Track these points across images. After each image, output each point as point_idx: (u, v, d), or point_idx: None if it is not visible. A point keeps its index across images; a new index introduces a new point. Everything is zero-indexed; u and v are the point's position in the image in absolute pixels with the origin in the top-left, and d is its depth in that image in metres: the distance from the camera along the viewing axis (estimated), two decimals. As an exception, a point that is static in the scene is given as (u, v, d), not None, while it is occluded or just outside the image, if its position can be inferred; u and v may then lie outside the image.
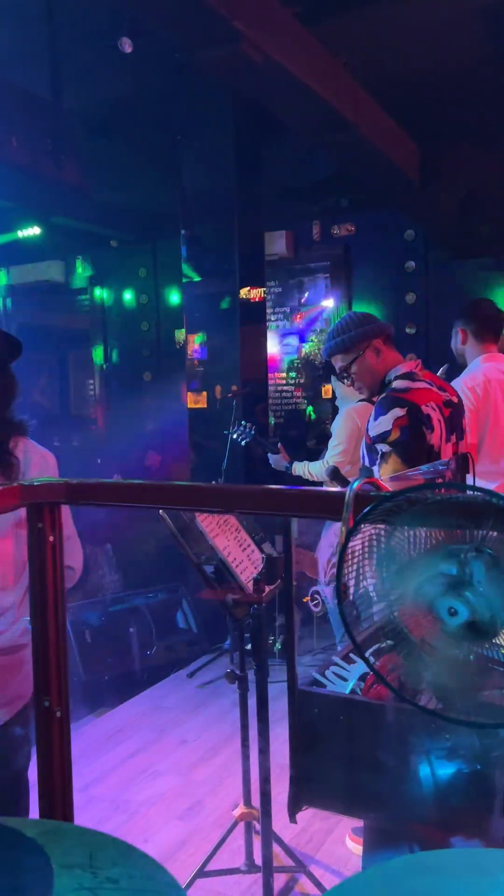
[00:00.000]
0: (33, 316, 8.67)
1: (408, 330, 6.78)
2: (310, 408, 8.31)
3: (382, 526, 1.11)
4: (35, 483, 1.42)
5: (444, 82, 5.03)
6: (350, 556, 1.12)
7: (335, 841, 2.80)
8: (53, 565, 1.47)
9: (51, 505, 1.43)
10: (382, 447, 2.28)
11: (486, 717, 1.07)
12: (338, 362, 2.52)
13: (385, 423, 2.26)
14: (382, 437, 2.28)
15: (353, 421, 3.79)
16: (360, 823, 2.81)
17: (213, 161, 4.81)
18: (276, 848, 2.68)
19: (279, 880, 2.59)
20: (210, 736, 3.62)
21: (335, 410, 4.13)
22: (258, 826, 2.67)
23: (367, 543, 1.14)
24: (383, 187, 5.95)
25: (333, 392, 4.14)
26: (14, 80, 4.28)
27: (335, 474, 3.15)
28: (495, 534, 1.03)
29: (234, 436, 4.08)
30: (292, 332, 8.30)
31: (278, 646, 4.46)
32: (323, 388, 8.41)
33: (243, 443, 4.08)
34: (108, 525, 5.09)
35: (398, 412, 2.25)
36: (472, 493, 1.07)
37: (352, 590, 1.14)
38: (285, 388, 8.29)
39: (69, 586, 1.82)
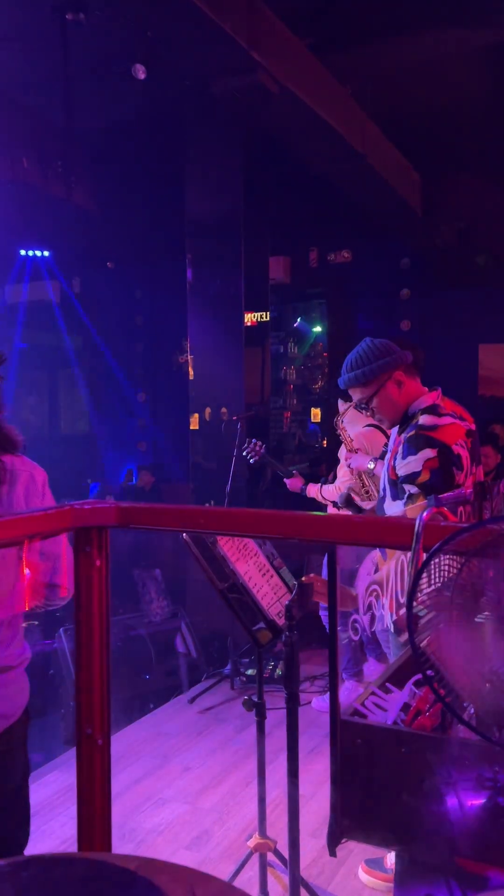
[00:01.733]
0: (25, 335, 8.64)
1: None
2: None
3: (455, 556, 1.12)
4: (85, 506, 1.41)
5: (447, 116, 5.15)
6: (422, 586, 1.12)
7: (347, 874, 2.76)
8: (100, 590, 1.46)
9: (98, 529, 1.42)
10: (411, 488, 2.25)
11: None
12: (356, 394, 2.45)
13: (415, 463, 2.23)
14: (411, 479, 2.24)
15: (360, 446, 3.81)
16: (373, 855, 2.78)
17: (220, 185, 4.86)
18: (286, 880, 2.64)
19: (293, 913, 2.54)
20: (214, 763, 3.57)
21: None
22: (271, 857, 2.64)
23: (438, 573, 1.14)
24: (386, 216, 6.04)
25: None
26: (27, 104, 4.31)
27: (348, 502, 3.15)
28: None
29: (244, 453, 4.06)
30: (287, 357, 8.35)
31: (278, 672, 4.43)
32: (312, 412, 8.47)
33: (252, 461, 4.06)
34: (159, 549, 5.09)
35: (429, 454, 2.21)
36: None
37: (423, 620, 1.14)
38: (274, 412, 8.31)
39: (59, 604, 1.81)
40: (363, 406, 2.47)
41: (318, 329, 8.31)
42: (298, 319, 8.42)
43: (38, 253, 6.81)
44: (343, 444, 3.85)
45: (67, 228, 6.49)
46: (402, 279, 7.32)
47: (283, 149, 4.68)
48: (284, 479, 4.00)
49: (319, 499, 3.87)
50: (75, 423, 9.41)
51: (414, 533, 1.14)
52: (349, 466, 3.73)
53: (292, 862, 1.99)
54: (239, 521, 1.24)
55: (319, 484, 3.92)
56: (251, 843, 2.54)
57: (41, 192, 4.55)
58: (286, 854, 2.48)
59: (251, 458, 4.01)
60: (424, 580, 1.14)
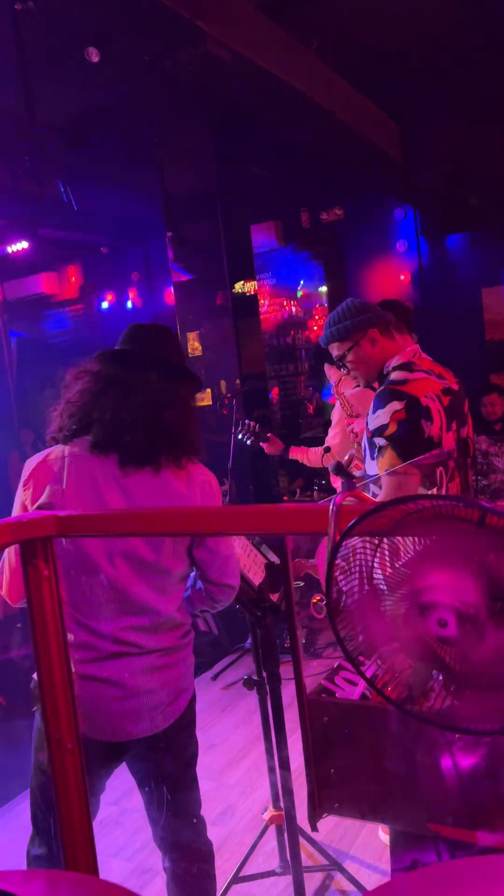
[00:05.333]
0: (30, 329, 8.67)
1: (404, 309, 6.74)
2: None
3: (369, 538, 1.11)
4: (23, 520, 1.42)
5: (418, 57, 4.97)
6: (339, 570, 1.11)
7: (369, 834, 2.80)
8: (52, 599, 1.48)
9: (43, 540, 1.43)
10: (380, 441, 2.28)
11: (491, 724, 1.06)
12: (335, 351, 2.53)
13: (383, 416, 2.25)
14: (380, 431, 2.27)
15: (362, 409, 3.78)
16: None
17: (192, 160, 4.79)
18: (309, 847, 2.70)
19: (315, 879, 2.60)
20: (238, 738, 3.63)
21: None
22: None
23: (355, 556, 1.13)
24: (371, 169, 5.90)
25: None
26: (-15, 101, 4.26)
27: (339, 469, 3.13)
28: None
29: (239, 436, 4.01)
30: (290, 322, 8.28)
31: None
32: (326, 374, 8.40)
33: (248, 442, 4.02)
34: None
35: (396, 406, 2.23)
36: (455, 501, 1.05)
37: (342, 602, 1.14)
38: (288, 378, 8.27)
39: (226, 603, 1.91)
40: (340, 363, 2.51)
41: (322, 289, 8.20)
42: (301, 282, 8.33)
43: (24, 245, 6.77)
44: (342, 408, 3.81)
45: (57, 219, 6.45)
46: (397, 231, 7.19)
47: (251, 116, 4.57)
48: (261, 444, 3.91)
49: (305, 461, 3.87)
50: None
51: (329, 518, 1.14)
52: (352, 431, 3.70)
53: (290, 829, 2.02)
54: (167, 522, 1.24)
55: (303, 447, 3.90)
56: (266, 815, 2.59)
57: (15, 190, 4.51)
58: (303, 824, 2.53)
59: (247, 439, 3.95)
60: (348, 561, 1.14)
